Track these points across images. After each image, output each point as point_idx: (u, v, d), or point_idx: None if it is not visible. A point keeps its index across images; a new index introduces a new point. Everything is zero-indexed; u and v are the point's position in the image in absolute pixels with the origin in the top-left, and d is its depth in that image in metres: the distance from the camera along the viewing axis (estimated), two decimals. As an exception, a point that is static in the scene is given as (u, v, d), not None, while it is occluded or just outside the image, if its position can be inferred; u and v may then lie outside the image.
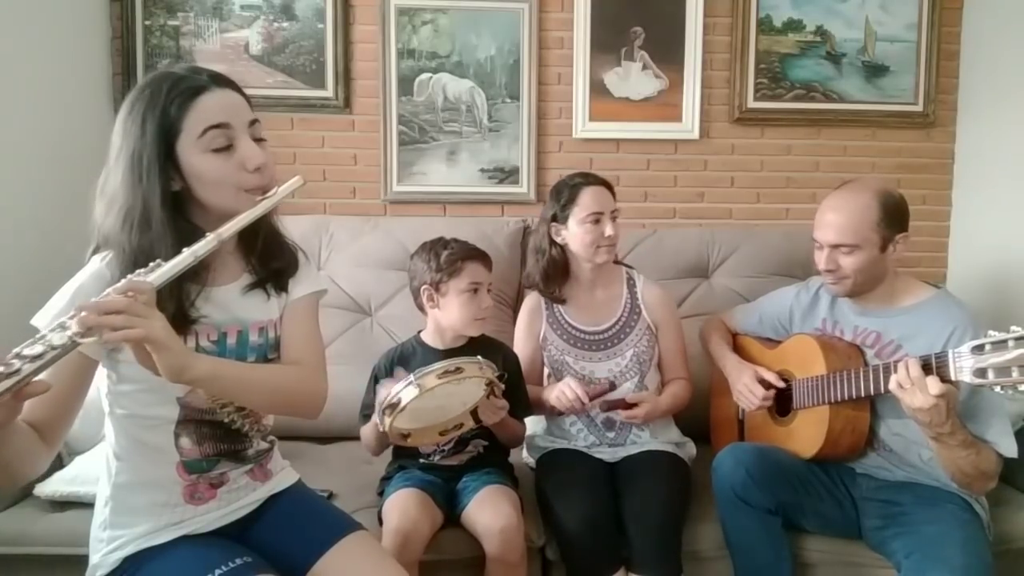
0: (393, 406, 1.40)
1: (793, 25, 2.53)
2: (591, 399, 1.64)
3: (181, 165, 1.06)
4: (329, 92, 2.45)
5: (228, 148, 1.07)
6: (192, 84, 1.06)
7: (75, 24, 2.26)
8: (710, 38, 2.51)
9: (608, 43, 2.47)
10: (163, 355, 0.94)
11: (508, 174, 2.52)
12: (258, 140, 1.11)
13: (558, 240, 1.78)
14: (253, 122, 1.11)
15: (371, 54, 2.46)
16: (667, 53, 2.49)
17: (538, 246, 1.82)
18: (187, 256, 0.99)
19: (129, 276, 0.95)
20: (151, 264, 0.98)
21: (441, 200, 2.53)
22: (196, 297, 1.10)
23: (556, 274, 1.80)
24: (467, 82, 2.48)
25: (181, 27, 2.41)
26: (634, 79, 2.50)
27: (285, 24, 2.44)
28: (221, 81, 1.10)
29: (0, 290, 1.86)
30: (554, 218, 1.77)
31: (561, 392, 1.64)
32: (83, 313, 0.88)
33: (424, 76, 2.47)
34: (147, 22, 2.40)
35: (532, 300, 1.88)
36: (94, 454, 1.70)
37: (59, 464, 1.68)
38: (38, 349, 0.86)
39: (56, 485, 1.62)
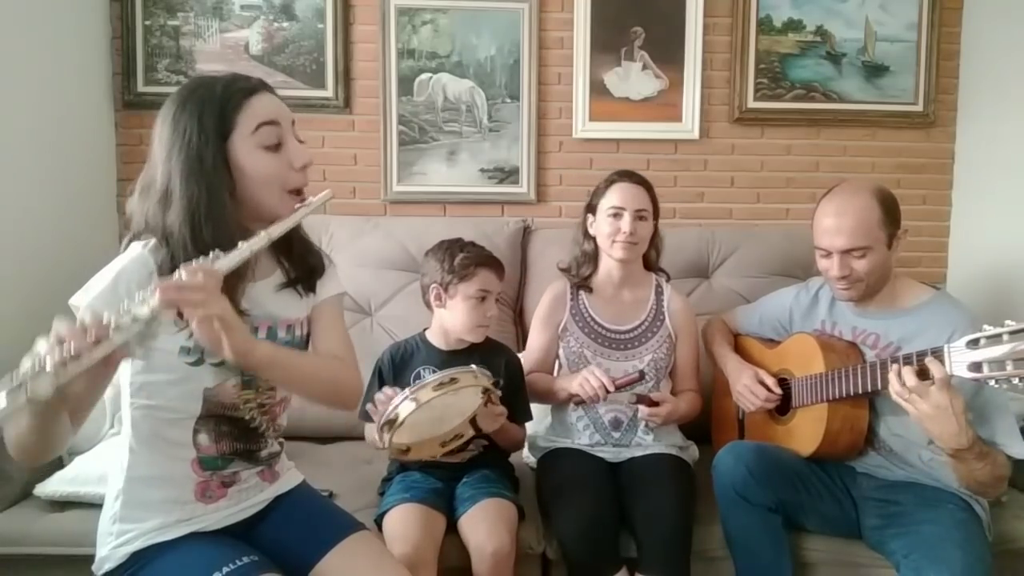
0: (391, 422, 1.38)
1: (793, 25, 2.53)
2: (617, 388, 1.63)
3: (232, 162, 1.10)
4: (329, 92, 2.45)
5: (277, 147, 1.13)
6: (246, 85, 1.12)
7: (75, 24, 2.25)
8: (710, 38, 2.51)
9: (608, 43, 2.47)
10: (232, 335, 0.99)
11: (508, 174, 2.52)
12: (299, 141, 1.17)
13: (590, 231, 1.82)
14: (294, 123, 1.17)
15: (371, 54, 2.46)
16: (667, 53, 2.49)
17: (575, 236, 1.88)
18: (244, 250, 1.04)
19: (196, 261, 0.99)
20: (211, 255, 1.01)
21: (441, 200, 2.53)
22: (234, 291, 1.12)
23: (586, 263, 1.84)
24: (467, 82, 2.48)
25: (181, 27, 2.41)
26: (634, 79, 2.50)
27: (285, 24, 2.44)
28: (267, 86, 1.16)
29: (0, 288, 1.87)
30: (589, 208, 1.82)
31: (585, 379, 1.63)
32: (165, 289, 0.93)
33: (424, 76, 2.47)
34: (147, 22, 2.40)
35: (557, 288, 1.87)
36: (94, 454, 1.70)
37: (59, 464, 1.68)
38: (125, 320, 0.91)
39: (56, 485, 1.62)
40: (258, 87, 1.13)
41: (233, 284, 1.09)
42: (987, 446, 1.40)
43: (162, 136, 1.10)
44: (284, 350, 1.18)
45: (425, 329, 1.73)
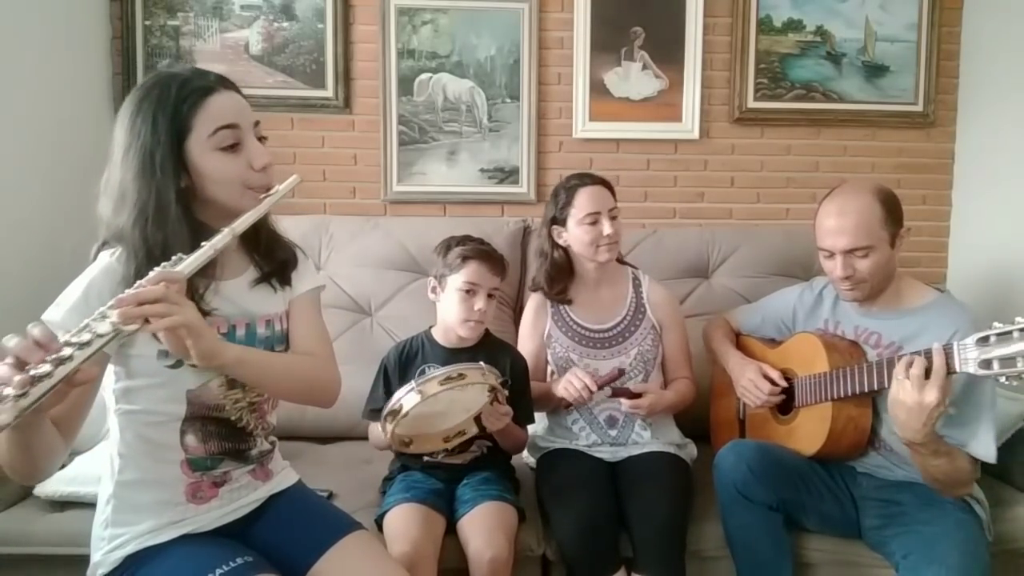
0: (395, 412, 1.39)
1: (793, 25, 2.53)
2: (600, 387, 1.64)
3: (189, 163, 1.09)
4: (329, 92, 2.45)
5: (235, 147, 1.11)
6: (202, 85, 1.10)
7: (75, 24, 2.25)
8: (710, 38, 2.51)
9: (608, 43, 2.47)
10: (198, 340, 0.99)
11: (508, 174, 2.52)
12: (260, 139, 1.16)
13: (560, 242, 1.79)
14: (256, 123, 1.16)
15: (371, 54, 2.46)
16: (667, 53, 2.49)
17: (540, 249, 1.85)
18: (207, 249, 1.03)
19: (157, 268, 0.99)
20: (174, 258, 1.01)
21: (441, 200, 2.53)
22: (205, 291, 1.13)
23: (560, 276, 1.82)
24: (467, 82, 2.48)
25: (181, 27, 2.41)
26: (634, 79, 2.50)
27: (285, 24, 2.44)
28: (227, 84, 1.13)
29: None
30: (554, 220, 1.79)
31: (568, 382, 1.65)
32: (123, 306, 0.93)
33: (424, 76, 2.47)
34: (147, 22, 2.40)
35: (538, 298, 1.88)
36: (94, 454, 1.70)
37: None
38: (86, 337, 0.90)
39: (56, 485, 1.62)
40: (216, 86, 1.11)
41: (198, 285, 1.10)
42: (947, 446, 1.42)
43: (119, 136, 1.09)
44: (254, 351, 1.17)
45: (431, 327, 1.73)
